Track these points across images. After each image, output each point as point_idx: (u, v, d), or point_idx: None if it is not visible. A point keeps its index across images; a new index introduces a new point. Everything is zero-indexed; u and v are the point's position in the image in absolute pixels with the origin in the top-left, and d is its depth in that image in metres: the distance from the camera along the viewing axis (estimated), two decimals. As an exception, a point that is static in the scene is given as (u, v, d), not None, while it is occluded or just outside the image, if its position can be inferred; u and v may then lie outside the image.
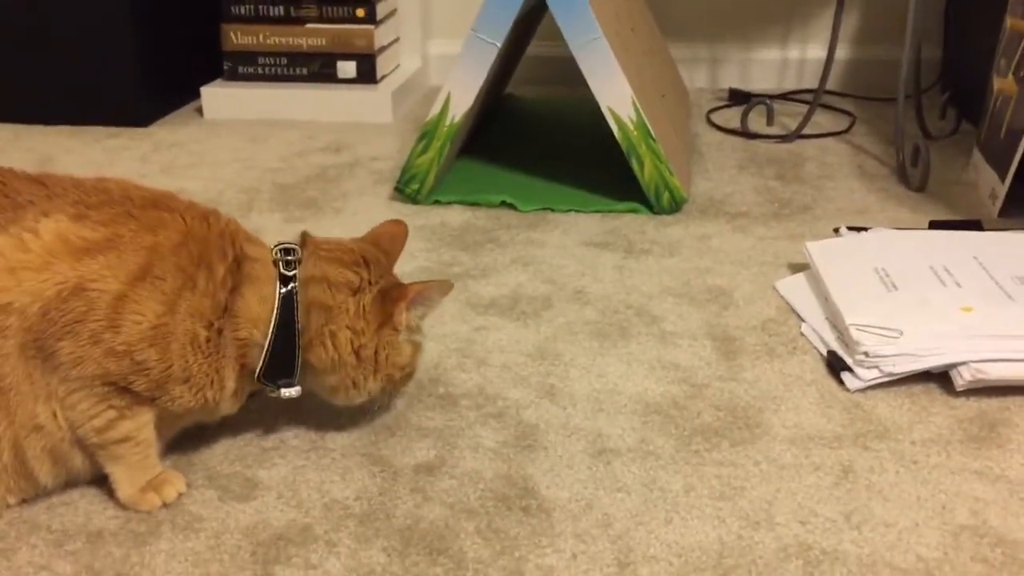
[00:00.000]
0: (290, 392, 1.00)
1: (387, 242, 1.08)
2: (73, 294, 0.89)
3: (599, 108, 1.62)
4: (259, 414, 1.10)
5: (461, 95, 1.66)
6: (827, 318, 1.26)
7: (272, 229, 1.60)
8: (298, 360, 0.98)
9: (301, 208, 1.72)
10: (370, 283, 1.01)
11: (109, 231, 0.92)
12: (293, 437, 1.07)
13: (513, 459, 1.03)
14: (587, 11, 1.57)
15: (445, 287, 1.05)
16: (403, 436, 1.07)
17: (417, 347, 1.05)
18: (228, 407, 1.00)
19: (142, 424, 0.95)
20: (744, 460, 1.02)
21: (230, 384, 0.97)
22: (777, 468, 1.00)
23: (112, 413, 0.93)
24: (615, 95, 1.61)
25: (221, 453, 1.04)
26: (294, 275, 0.98)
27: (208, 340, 0.94)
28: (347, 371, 1.00)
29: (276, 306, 0.96)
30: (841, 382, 1.15)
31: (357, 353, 0.99)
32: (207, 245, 0.95)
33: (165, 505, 0.97)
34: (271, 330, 0.96)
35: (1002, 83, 1.69)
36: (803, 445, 1.04)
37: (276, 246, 1.00)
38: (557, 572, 0.87)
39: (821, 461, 1.01)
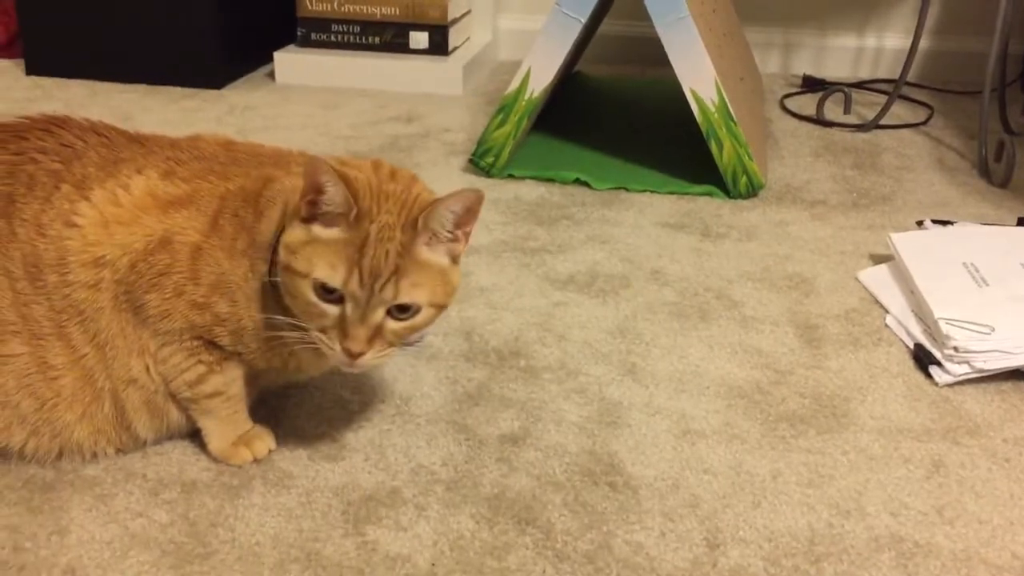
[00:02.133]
0: None
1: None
2: (159, 247, 0.91)
3: (671, 90, 1.62)
4: (343, 380, 1.11)
5: (541, 70, 1.65)
6: (913, 311, 1.25)
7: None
8: None
9: (376, 176, 1.72)
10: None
11: (191, 186, 0.93)
12: (379, 402, 1.08)
13: (597, 435, 1.03)
14: (676, -11, 1.55)
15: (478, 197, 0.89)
16: (487, 406, 1.07)
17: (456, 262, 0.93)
18: (312, 364, 0.97)
19: (231, 379, 0.96)
20: (832, 449, 1.01)
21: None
22: (866, 459, 1.00)
23: (202, 368, 0.94)
24: (699, 76, 1.60)
25: (308, 414, 1.06)
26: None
27: (249, 270, 0.90)
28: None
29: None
30: (929, 376, 1.14)
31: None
32: (259, 182, 0.93)
33: (256, 460, 0.98)
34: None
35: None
36: (892, 437, 1.03)
37: None
38: (646, 548, 0.87)
39: (911, 454, 1.00)
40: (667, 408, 1.08)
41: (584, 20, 1.60)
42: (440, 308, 0.89)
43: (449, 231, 0.88)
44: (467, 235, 0.90)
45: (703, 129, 1.63)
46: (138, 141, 1.00)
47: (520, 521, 0.90)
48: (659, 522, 0.90)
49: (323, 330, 0.86)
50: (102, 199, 0.92)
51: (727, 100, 1.61)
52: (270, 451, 0.99)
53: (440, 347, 1.19)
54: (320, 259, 0.84)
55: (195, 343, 0.93)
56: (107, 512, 0.91)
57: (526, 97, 1.67)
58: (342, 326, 0.84)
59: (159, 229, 0.91)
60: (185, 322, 0.92)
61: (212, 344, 0.94)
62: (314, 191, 0.84)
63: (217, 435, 0.98)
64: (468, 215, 0.88)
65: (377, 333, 0.85)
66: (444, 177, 1.72)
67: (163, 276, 0.91)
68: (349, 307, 0.84)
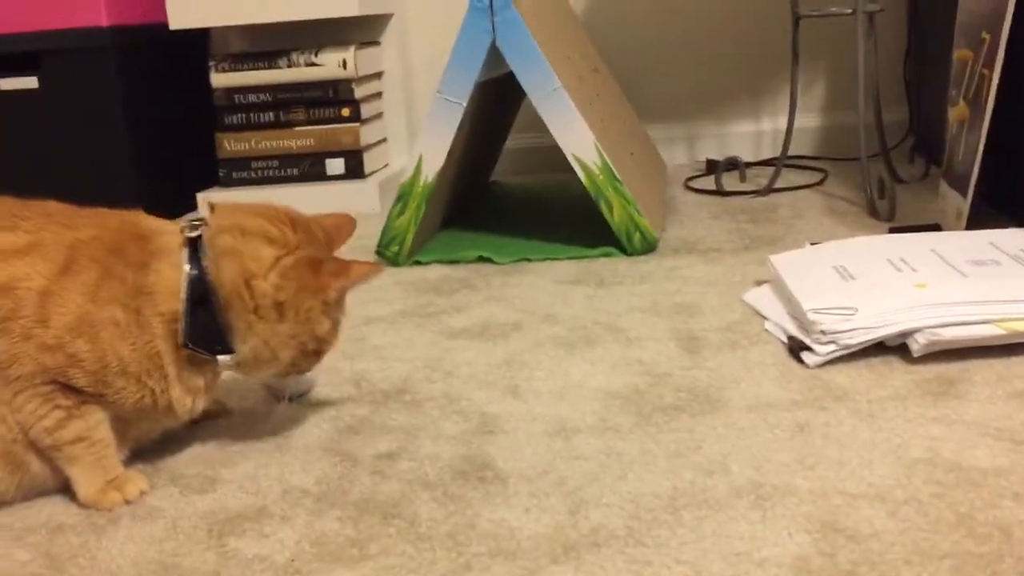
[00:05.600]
0: (226, 360, 0.98)
1: (330, 224, 1.07)
2: (1, 294, 0.93)
3: (575, 183, 1.68)
4: (226, 425, 1.12)
5: (433, 155, 1.73)
6: (788, 313, 1.28)
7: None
8: (220, 319, 0.96)
9: (286, 277, 1.77)
10: (295, 243, 0.99)
11: (34, 236, 0.96)
12: (259, 442, 1.08)
13: (473, 443, 1.03)
14: (544, 63, 1.65)
15: (378, 270, 1.03)
16: (367, 434, 1.08)
17: (336, 324, 1.03)
18: (187, 404, 0.99)
19: (93, 424, 0.96)
20: (702, 427, 1.02)
21: (171, 370, 0.96)
22: (735, 431, 1.00)
23: (60, 413, 0.95)
24: (578, 141, 1.68)
25: (186, 458, 1.06)
26: (199, 236, 0.97)
27: (128, 323, 0.94)
28: (265, 330, 0.97)
29: (185, 263, 0.96)
30: (801, 361, 1.16)
31: (278, 308, 0.97)
32: (121, 233, 0.98)
33: (127, 503, 0.97)
34: (184, 288, 0.95)
35: (955, 112, 1.75)
36: (760, 411, 1.04)
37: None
38: (509, 522, 0.87)
39: (777, 421, 1.01)
40: (545, 415, 1.09)
41: (464, 104, 1.70)
42: None
43: None
44: None
45: (591, 192, 1.70)
46: None
47: (386, 516, 0.90)
48: (524, 500, 0.90)
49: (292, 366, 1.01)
50: None
51: (609, 162, 1.69)
52: (142, 493, 0.99)
53: (328, 394, 1.20)
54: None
55: (49, 388, 0.94)
56: (-32, 557, 0.90)
57: (421, 183, 1.75)
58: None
59: (1, 277, 0.93)
60: (36, 365, 0.93)
61: (68, 387, 0.94)
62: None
63: (84, 482, 0.97)
64: None
65: None
66: (353, 271, 1.77)
67: (8, 321, 0.92)
68: None
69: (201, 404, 1.02)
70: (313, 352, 1.02)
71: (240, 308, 0.97)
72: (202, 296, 0.96)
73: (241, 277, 0.97)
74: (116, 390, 0.95)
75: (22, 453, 0.96)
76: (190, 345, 0.96)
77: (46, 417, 0.94)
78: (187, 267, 0.96)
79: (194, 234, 0.97)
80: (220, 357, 0.98)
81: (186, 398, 1.00)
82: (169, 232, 1.00)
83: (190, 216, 1.01)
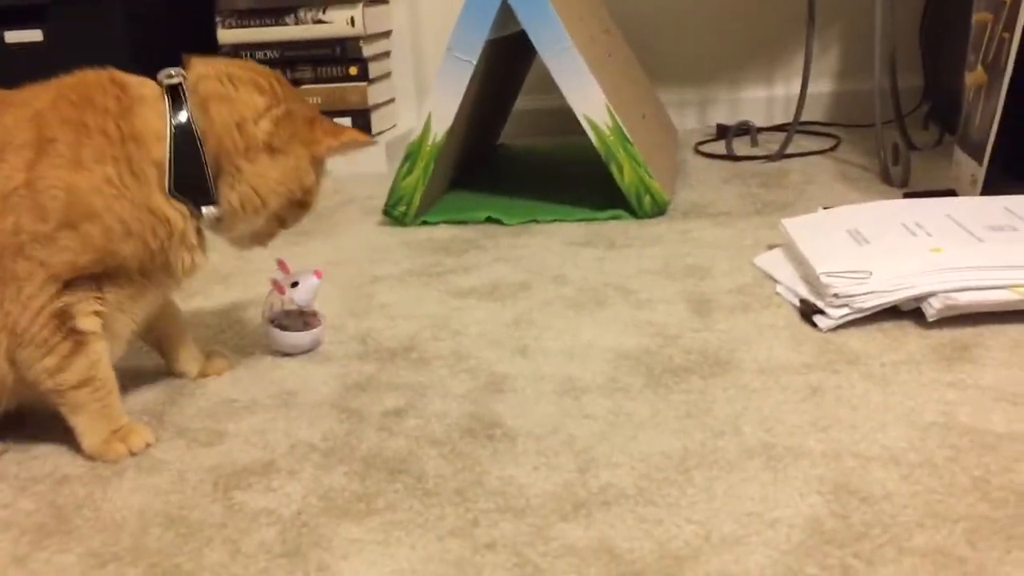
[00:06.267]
0: (211, 210, 0.96)
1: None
2: None
3: (584, 144, 1.66)
4: (232, 379, 1.11)
5: (441, 114, 1.71)
6: (801, 277, 1.26)
7: (261, 252, 1.63)
8: (207, 168, 0.95)
9: (293, 235, 1.74)
10: (283, 97, 0.99)
11: None
12: (266, 397, 1.07)
13: (481, 401, 1.03)
14: (556, 21, 1.63)
15: (370, 142, 1.06)
16: (373, 391, 1.07)
17: (319, 181, 1.03)
18: (185, 261, 0.97)
19: (95, 360, 0.95)
20: (713, 388, 1.01)
21: (173, 215, 0.94)
22: (746, 392, 0.99)
23: (65, 346, 0.92)
24: (590, 102, 1.66)
25: (192, 412, 1.05)
26: (179, 84, 0.96)
27: (121, 176, 0.91)
28: (254, 175, 0.97)
29: (168, 111, 0.94)
30: (814, 325, 1.14)
31: (270, 152, 0.97)
32: (87, 86, 0.94)
33: (132, 454, 0.97)
34: (168, 136, 0.93)
35: (973, 76, 1.72)
36: (772, 374, 1.03)
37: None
38: (517, 479, 0.86)
39: (789, 384, 1.00)
40: (554, 375, 1.08)
41: (474, 61, 1.67)
42: None
43: None
44: None
45: (601, 154, 1.68)
46: None
47: (393, 472, 0.89)
48: (533, 459, 0.89)
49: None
50: None
51: (620, 123, 1.66)
52: (148, 445, 0.98)
53: (334, 351, 1.19)
54: None
55: (54, 321, 0.91)
56: (-27, 507, 0.89)
57: (430, 142, 1.73)
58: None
59: None
60: (45, 272, 0.90)
61: (73, 326, 0.92)
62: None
63: (89, 432, 0.97)
64: None
65: None
66: (361, 232, 1.75)
67: (14, 236, 0.89)
68: None
69: (200, 262, 1.00)
70: (299, 204, 1.02)
71: (230, 151, 0.96)
72: (188, 143, 0.94)
73: (232, 119, 0.96)
74: (126, 256, 0.93)
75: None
76: (175, 194, 0.94)
77: (51, 353, 0.92)
78: (170, 113, 0.94)
79: (173, 81, 0.96)
80: (204, 209, 0.96)
81: (184, 254, 0.97)
82: (146, 83, 0.97)
83: (164, 70, 0.98)
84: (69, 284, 0.92)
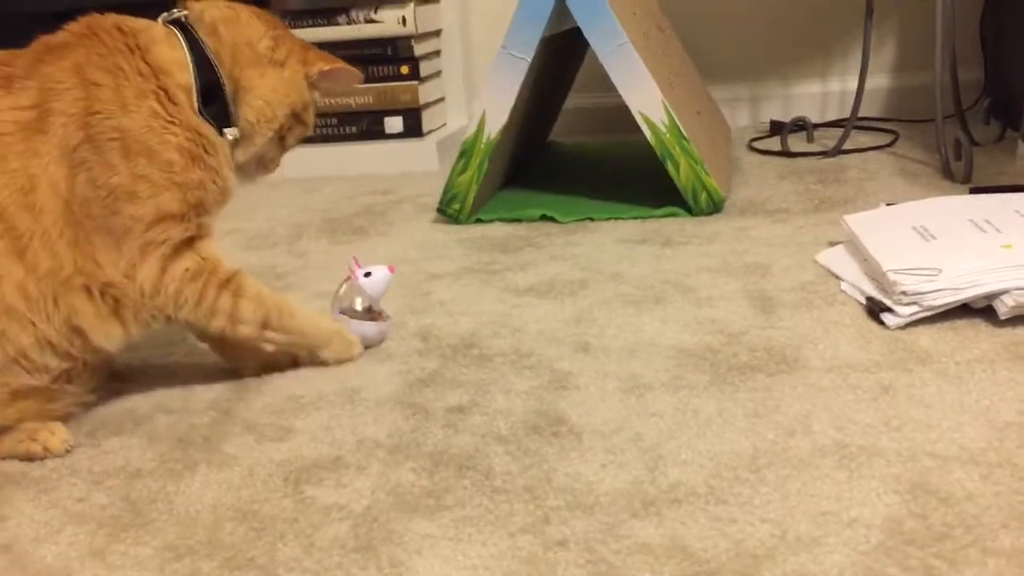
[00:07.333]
0: (232, 130, 1.05)
1: None
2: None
3: (638, 143, 1.65)
4: (296, 376, 1.12)
5: (496, 112, 1.71)
6: (866, 274, 1.24)
7: (318, 251, 1.65)
8: (224, 88, 1.04)
9: (348, 234, 1.76)
10: (278, 27, 1.10)
11: (36, 89, 0.97)
12: (331, 394, 1.08)
13: (545, 398, 1.02)
14: (611, 18, 1.62)
15: (357, 76, 1.14)
16: (437, 387, 1.07)
17: (314, 107, 1.13)
18: (231, 179, 1.07)
19: (256, 292, 1.06)
20: (780, 386, 1.00)
21: (210, 132, 1.03)
22: (815, 391, 0.98)
23: (226, 301, 1.03)
24: (646, 99, 1.65)
25: (258, 408, 1.06)
26: (184, 17, 1.05)
27: (164, 104, 0.99)
28: (265, 87, 1.06)
29: (182, 41, 1.04)
30: (881, 323, 1.12)
31: (277, 64, 1.07)
32: (104, 32, 1.01)
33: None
34: (189, 61, 1.02)
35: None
36: (841, 372, 1.02)
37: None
38: (585, 477, 0.86)
39: (859, 383, 0.99)
40: (617, 372, 1.07)
41: (529, 59, 1.67)
42: None
43: None
44: None
45: (657, 151, 1.67)
46: None
47: (461, 468, 0.89)
48: (600, 456, 0.89)
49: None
50: None
51: (677, 120, 1.65)
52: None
53: (395, 349, 1.19)
54: None
55: (195, 283, 1.01)
56: (48, 500, 0.91)
57: (484, 140, 1.73)
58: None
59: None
60: (142, 225, 0.99)
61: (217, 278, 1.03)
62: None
63: (328, 349, 1.14)
64: None
65: None
66: (416, 230, 1.76)
67: (95, 190, 0.96)
68: None
69: (234, 184, 1.08)
70: (299, 120, 1.10)
71: (243, 65, 1.05)
72: (206, 65, 1.03)
73: (242, 38, 1.06)
74: (197, 183, 1.01)
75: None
76: (203, 114, 1.03)
77: (215, 315, 1.03)
78: (184, 43, 1.03)
79: (179, 15, 1.05)
80: (226, 130, 1.05)
81: (227, 171, 1.06)
82: (150, 24, 1.05)
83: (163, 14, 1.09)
84: (170, 233, 1.00)
